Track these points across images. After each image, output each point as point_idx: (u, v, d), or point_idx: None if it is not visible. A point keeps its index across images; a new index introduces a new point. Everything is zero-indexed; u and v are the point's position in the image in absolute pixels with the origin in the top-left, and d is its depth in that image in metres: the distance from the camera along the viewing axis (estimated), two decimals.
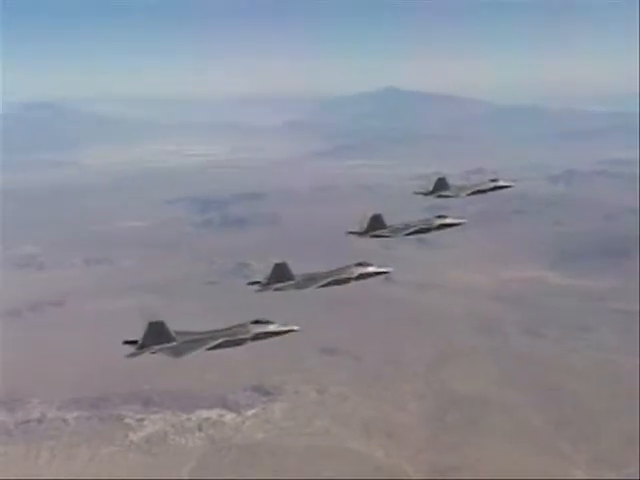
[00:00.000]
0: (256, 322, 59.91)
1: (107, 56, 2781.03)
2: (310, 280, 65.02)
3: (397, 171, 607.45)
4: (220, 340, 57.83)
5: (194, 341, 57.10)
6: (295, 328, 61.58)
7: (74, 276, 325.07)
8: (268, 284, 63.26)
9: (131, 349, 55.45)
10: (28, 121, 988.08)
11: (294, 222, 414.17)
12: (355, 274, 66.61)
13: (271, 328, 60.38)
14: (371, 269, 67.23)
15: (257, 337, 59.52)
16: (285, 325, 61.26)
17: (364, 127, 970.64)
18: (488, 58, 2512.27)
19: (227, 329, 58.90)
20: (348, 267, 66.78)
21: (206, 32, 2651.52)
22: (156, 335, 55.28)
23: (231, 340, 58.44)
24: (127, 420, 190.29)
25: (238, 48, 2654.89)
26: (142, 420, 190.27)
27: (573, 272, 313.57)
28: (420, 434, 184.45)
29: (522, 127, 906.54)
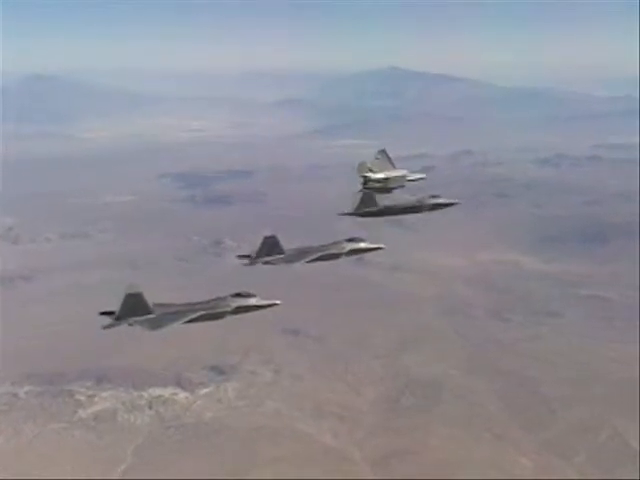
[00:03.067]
0: (237, 295, 58.75)
1: (110, 29, 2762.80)
2: (300, 254, 63.77)
3: (390, 150, 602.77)
4: (200, 313, 56.71)
5: (173, 313, 55.84)
6: (277, 302, 60.18)
7: (48, 250, 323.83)
8: (257, 258, 61.91)
9: (108, 320, 53.91)
10: (28, 93, 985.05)
11: (279, 200, 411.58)
12: (346, 249, 65.57)
13: (252, 302, 59.23)
14: (362, 245, 66.75)
15: (238, 310, 58.64)
16: (266, 299, 59.81)
17: (364, 106, 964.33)
18: (494, 40, 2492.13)
19: (207, 302, 57.75)
20: (339, 242, 65.97)
21: (209, 8, 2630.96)
22: (133, 307, 53.85)
23: (211, 313, 57.37)
24: (78, 396, 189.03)
25: (242, 25, 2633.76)
26: (93, 397, 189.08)
27: (549, 257, 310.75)
28: (372, 418, 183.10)
29: (524, 110, 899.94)
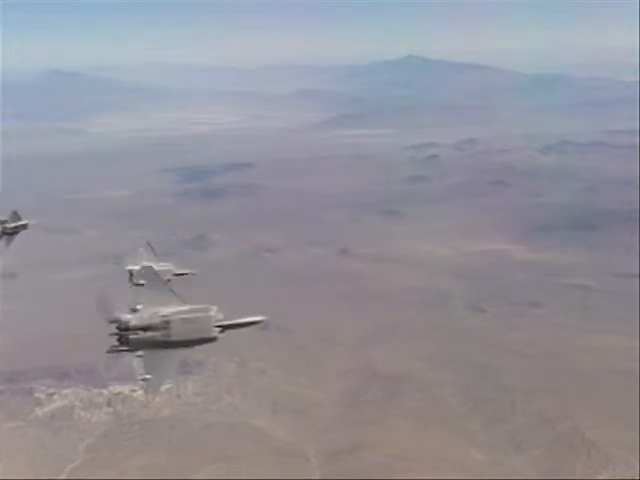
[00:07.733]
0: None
1: (127, 25, 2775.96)
2: None
3: (398, 140, 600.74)
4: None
5: None
6: (261, 319, 58.92)
7: (34, 247, 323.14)
8: None
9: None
10: (45, 89, 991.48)
11: (275, 193, 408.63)
12: None
13: (236, 320, 58.32)
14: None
15: (222, 329, 57.69)
16: (250, 317, 58.77)
17: (381, 96, 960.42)
18: (518, 26, 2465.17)
19: None
20: None
21: (226, 2, 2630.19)
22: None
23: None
24: (37, 394, 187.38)
25: (258, 17, 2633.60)
26: (52, 395, 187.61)
27: (538, 246, 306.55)
28: (330, 412, 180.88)
29: (543, 97, 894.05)
